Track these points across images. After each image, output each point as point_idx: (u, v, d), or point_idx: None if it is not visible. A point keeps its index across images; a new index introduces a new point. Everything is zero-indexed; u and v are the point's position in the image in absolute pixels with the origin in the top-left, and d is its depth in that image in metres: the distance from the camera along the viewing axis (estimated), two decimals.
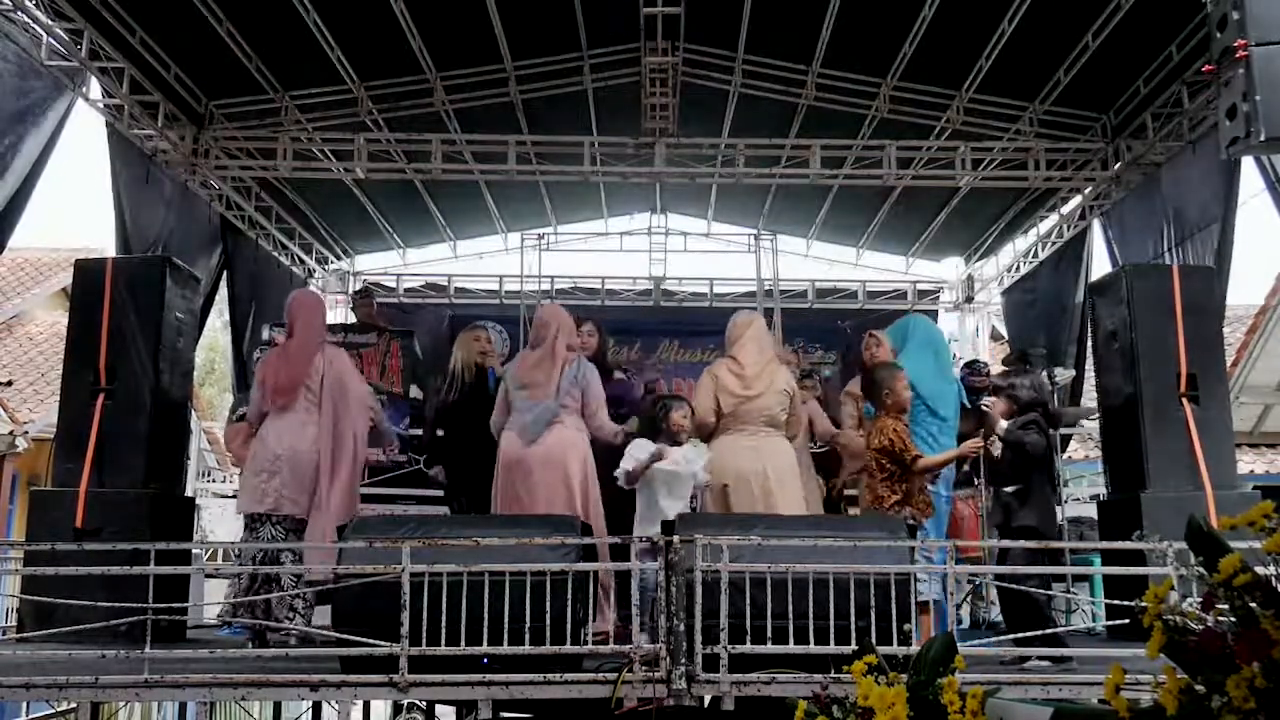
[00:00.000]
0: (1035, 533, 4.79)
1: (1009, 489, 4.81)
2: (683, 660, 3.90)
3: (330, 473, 5.33)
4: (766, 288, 10.87)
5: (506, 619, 3.97)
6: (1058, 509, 7.20)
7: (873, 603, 3.98)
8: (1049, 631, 4.41)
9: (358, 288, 11.51)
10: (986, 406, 5.05)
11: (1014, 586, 4.56)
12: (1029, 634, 4.30)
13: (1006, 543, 4.79)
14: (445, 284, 11.97)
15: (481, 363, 6.32)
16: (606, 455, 5.51)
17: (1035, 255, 10.51)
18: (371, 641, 3.96)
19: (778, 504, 5.12)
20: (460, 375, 6.15)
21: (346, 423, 5.44)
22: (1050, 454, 4.99)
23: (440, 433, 6.32)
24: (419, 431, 8.52)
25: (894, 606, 3.97)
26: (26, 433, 11.29)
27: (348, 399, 5.47)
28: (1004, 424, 4.99)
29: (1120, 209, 8.74)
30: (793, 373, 5.92)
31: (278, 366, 5.44)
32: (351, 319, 11.42)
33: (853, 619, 3.96)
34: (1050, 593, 5.92)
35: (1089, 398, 8.33)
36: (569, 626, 4.00)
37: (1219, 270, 7.05)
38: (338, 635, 4.13)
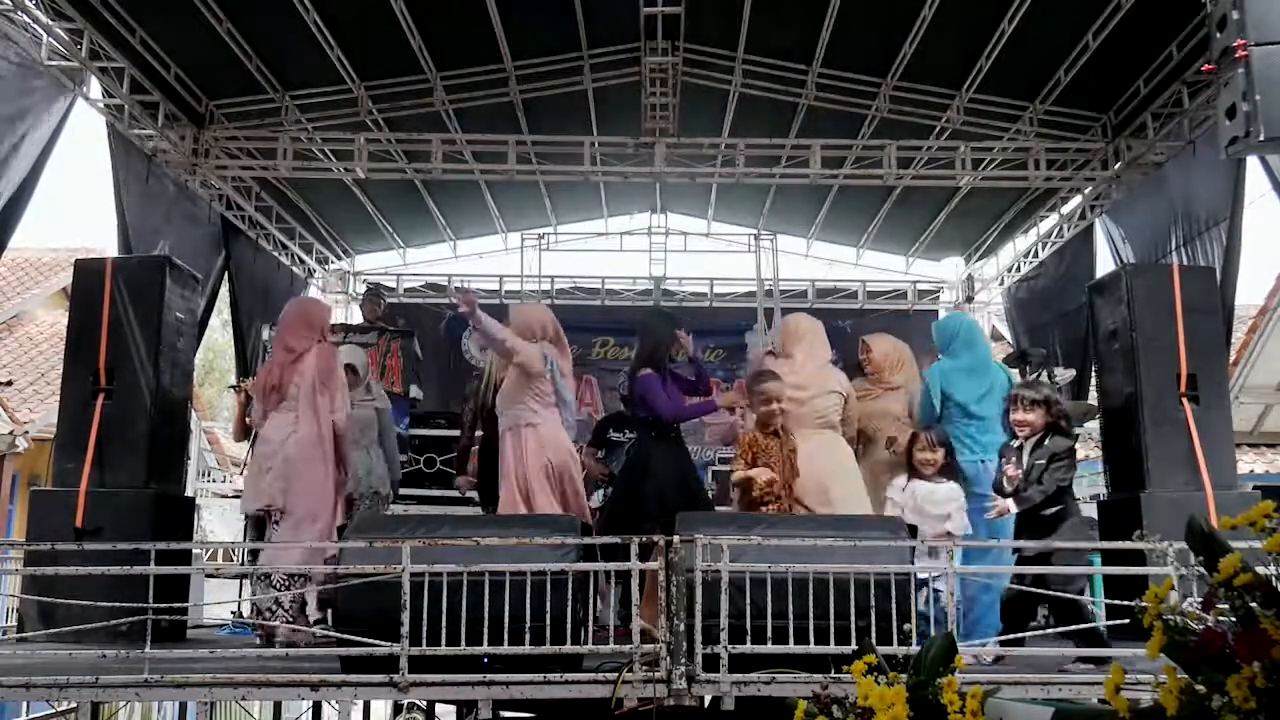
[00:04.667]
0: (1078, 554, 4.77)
1: (1047, 512, 4.75)
2: (683, 660, 3.90)
3: (318, 474, 5.39)
4: (766, 288, 10.88)
5: (506, 619, 3.97)
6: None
7: (873, 603, 3.98)
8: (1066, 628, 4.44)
9: (368, 287, 11.52)
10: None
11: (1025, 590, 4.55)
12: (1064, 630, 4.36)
13: (1012, 543, 4.78)
14: (445, 284, 11.98)
15: None
16: None
17: (1035, 255, 10.50)
18: (371, 641, 3.96)
19: (835, 501, 5.07)
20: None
21: (326, 425, 5.49)
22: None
23: (480, 433, 6.11)
24: (420, 432, 8.54)
25: (894, 606, 3.97)
26: (26, 433, 11.30)
27: (322, 401, 5.51)
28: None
29: (1128, 208, 8.72)
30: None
31: (265, 369, 5.74)
32: (354, 318, 11.46)
33: (853, 619, 3.96)
34: (1051, 592, 5.92)
35: (1091, 398, 8.32)
36: (569, 626, 4.00)
37: (1227, 270, 7.03)
38: (338, 635, 4.13)
